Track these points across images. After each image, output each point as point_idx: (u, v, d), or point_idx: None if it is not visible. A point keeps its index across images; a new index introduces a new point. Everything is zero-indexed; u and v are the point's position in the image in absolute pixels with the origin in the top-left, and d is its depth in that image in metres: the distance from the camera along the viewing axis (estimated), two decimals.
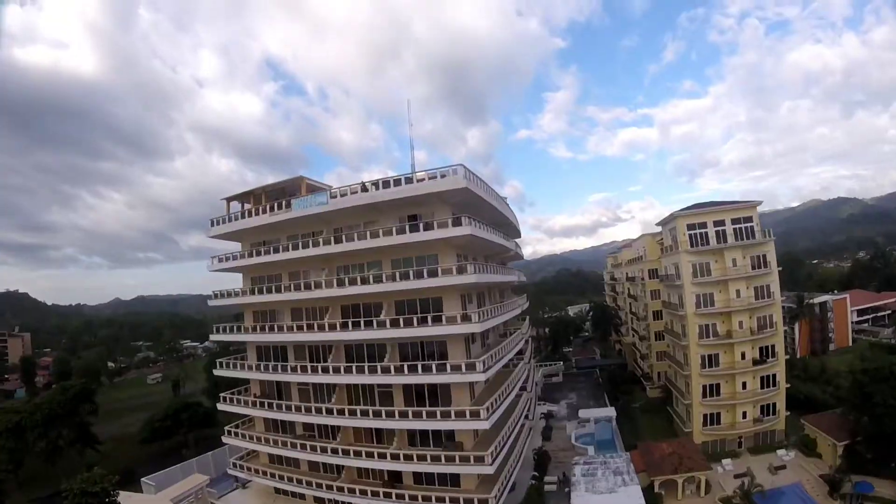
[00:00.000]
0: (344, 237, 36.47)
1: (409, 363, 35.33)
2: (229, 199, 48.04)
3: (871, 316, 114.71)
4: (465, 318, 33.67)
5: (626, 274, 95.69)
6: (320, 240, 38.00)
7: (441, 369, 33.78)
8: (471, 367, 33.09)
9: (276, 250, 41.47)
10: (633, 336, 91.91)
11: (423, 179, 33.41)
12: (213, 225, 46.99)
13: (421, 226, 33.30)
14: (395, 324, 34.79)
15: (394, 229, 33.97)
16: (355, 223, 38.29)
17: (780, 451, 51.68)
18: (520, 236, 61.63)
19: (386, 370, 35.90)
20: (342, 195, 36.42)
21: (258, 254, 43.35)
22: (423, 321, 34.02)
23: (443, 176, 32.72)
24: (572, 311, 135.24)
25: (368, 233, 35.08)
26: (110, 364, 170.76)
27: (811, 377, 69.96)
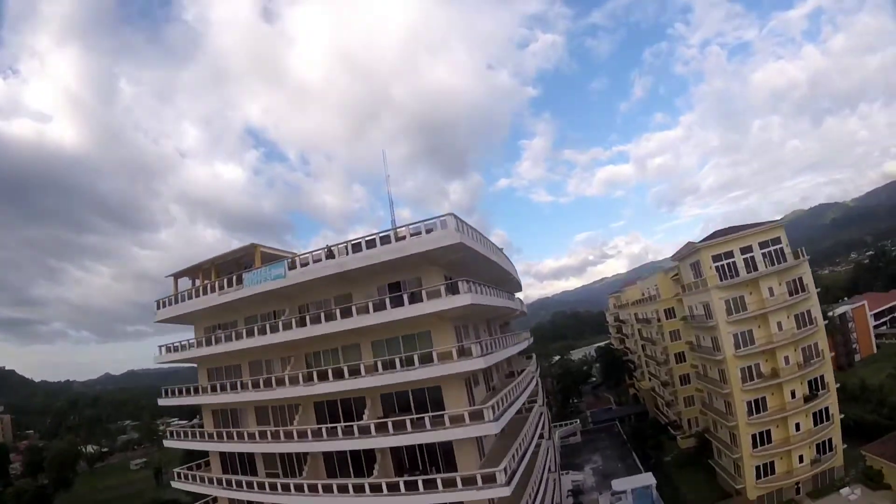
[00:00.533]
0: (309, 318, 28.48)
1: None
2: (176, 276, 40.32)
3: (889, 318, 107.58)
4: (464, 353, 25.44)
5: (636, 315, 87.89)
6: (280, 323, 29.89)
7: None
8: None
9: (230, 337, 33.30)
10: (652, 380, 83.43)
11: (405, 237, 25.82)
12: (158, 307, 39.08)
13: (406, 298, 25.50)
14: (381, 428, 26.26)
15: (370, 305, 26.11)
16: (324, 298, 30.32)
17: (845, 491, 45.51)
18: (521, 289, 53.97)
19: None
20: (303, 265, 28.62)
21: (210, 342, 35.08)
22: (418, 423, 25.56)
23: (429, 231, 25.22)
24: (575, 355, 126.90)
25: (339, 311, 27.13)
26: (91, 448, 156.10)
27: (853, 397, 62.65)
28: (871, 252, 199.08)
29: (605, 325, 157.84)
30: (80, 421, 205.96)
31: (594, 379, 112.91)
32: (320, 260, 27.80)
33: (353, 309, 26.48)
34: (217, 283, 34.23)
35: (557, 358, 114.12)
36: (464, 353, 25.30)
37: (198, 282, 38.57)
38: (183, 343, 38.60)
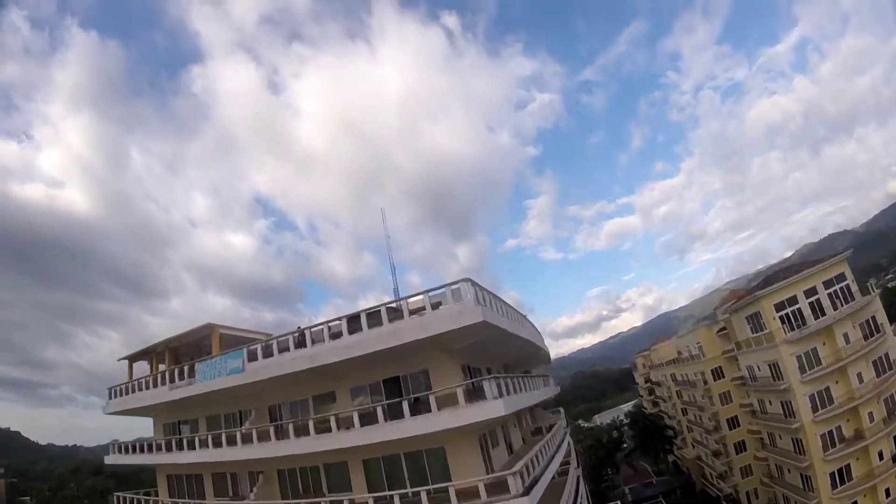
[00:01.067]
0: (274, 431, 20.68)
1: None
2: (131, 360, 33.32)
3: None
4: (475, 396, 17.57)
5: (673, 376, 78.55)
6: (238, 434, 22.08)
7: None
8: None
9: (184, 444, 25.54)
10: (697, 448, 73.15)
11: (401, 315, 18.33)
12: (111, 397, 31.84)
13: (407, 406, 17.68)
14: None
15: (355, 417, 18.26)
16: (299, 398, 22.55)
17: None
18: (549, 361, 45.73)
19: None
20: (266, 355, 21.07)
21: (168, 445, 27.41)
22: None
23: (436, 306, 17.76)
24: (602, 418, 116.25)
25: (313, 424, 19.33)
26: None
27: None
28: (889, 275, 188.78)
29: (628, 382, 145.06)
30: (78, 492, 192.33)
31: (626, 445, 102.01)
32: (287, 350, 20.21)
33: (333, 422, 18.65)
34: (169, 372, 26.87)
35: (586, 426, 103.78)
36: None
37: (163, 367, 31.34)
38: (137, 444, 31.30)
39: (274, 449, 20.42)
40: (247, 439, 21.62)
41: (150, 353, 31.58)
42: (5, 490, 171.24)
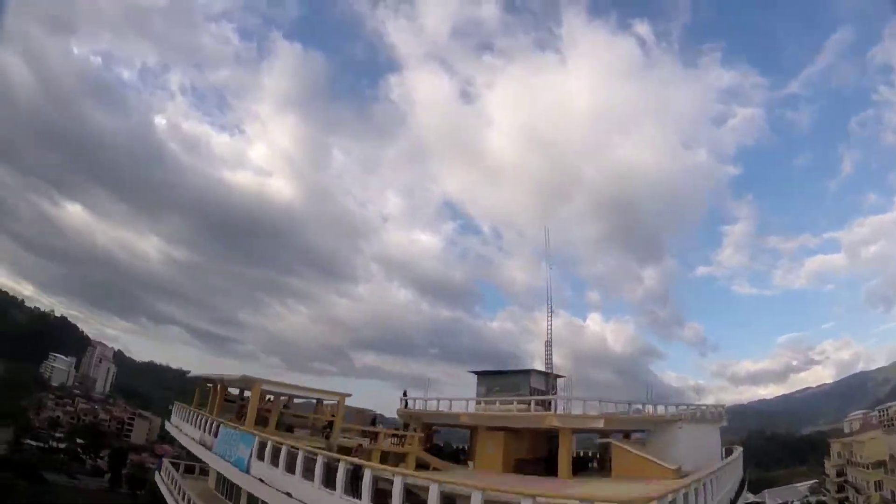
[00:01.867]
0: None
1: None
2: (198, 384, 32.53)
3: None
4: None
5: (878, 485, 61.30)
6: None
7: None
8: None
9: None
10: None
11: None
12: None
13: None
14: None
15: None
16: None
17: None
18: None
19: None
20: (274, 460, 15.68)
21: None
22: None
23: None
24: (770, 497, 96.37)
25: None
26: None
27: None
28: None
29: (808, 453, 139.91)
30: None
31: None
32: (313, 465, 14.53)
33: None
34: (206, 420, 23.44)
35: (753, 501, 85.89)
36: None
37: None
38: None
39: None
40: None
41: (214, 381, 29.00)
42: (158, 429, 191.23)
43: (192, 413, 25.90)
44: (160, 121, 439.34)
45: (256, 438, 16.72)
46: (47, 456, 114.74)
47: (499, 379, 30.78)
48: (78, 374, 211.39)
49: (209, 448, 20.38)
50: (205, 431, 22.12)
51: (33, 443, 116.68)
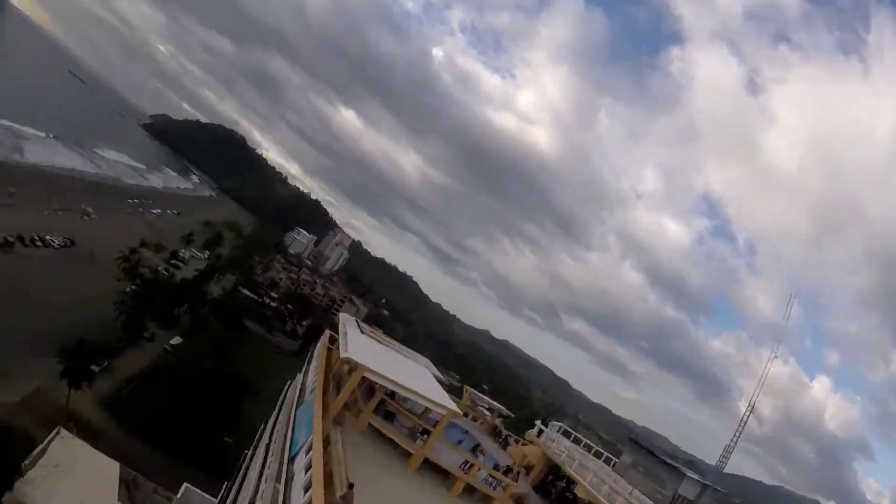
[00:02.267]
0: None
1: None
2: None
3: None
4: None
5: None
6: None
7: None
8: None
9: None
10: None
11: None
12: None
13: None
14: None
15: None
16: None
17: None
18: None
19: None
20: None
21: None
22: None
23: None
24: None
25: None
26: None
27: None
28: None
29: None
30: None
31: None
32: None
33: None
34: None
35: None
36: None
37: None
38: None
39: None
40: None
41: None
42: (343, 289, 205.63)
43: None
44: (437, 52, 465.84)
45: None
46: (258, 309, 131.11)
47: (648, 461, 28.66)
48: (315, 250, 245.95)
49: None
50: None
51: (249, 294, 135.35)
